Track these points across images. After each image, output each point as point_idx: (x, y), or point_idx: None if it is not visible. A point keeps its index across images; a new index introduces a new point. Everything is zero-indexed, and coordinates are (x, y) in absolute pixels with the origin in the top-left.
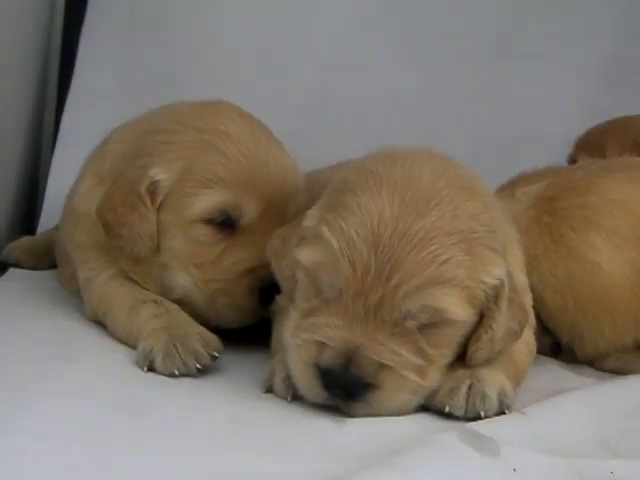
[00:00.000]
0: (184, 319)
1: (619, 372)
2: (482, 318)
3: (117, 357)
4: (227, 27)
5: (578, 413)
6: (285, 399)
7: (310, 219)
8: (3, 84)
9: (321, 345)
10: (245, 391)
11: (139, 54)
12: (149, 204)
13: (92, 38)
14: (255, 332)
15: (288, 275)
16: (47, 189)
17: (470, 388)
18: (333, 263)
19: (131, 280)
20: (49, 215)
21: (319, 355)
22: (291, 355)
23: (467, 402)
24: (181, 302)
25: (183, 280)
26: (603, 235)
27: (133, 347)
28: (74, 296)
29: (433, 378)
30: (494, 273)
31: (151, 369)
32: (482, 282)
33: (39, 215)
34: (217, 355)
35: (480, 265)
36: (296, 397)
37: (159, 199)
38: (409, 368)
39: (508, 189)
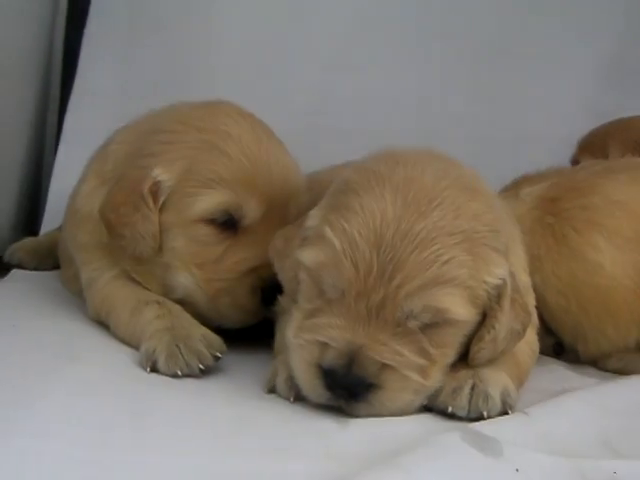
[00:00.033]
0: (187, 320)
1: (622, 372)
2: (485, 318)
3: (120, 358)
4: (228, 28)
5: (581, 413)
6: (288, 399)
7: (312, 219)
8: (6, 85)
9: (323, 345)
10: (248, 392)
11: (141, 55)
12: (151, 204)
13: (94, 39)
14: (258, 333)
15: (291, 276)
16: (50, 190)
17: (473, 388)
18: (335, 263)
19: (134, 281)
20: (52, 216)
21: (321, 355)
22: (294, 355)
23: (470, 402)
24: (183, 302)
25: (185, 280)
26: (605, 236)
27: (136, 348)
28: (77, 297)
29: (435, 378)
30: (496, 273)
31: (154, 370)
32: (484, 282)
33: (42, 216)
34: (220, 356)
35: (482, 265)
36: (299, 397)
37: (161, 199)
38: (411, 368)
39: (512, 189)
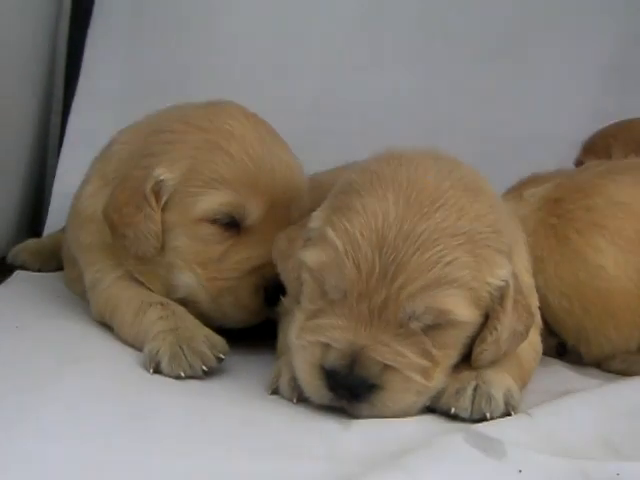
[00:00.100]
0: (190, 321)
1: (625, 373)
2: (487, 319)
3: (123, 359)
4: (230, 30)
5: (584, 414)
6: (291, 400)
7: (315, 220)
8: (9, 86)
9: (326, 346)
10: (251, 393)
11: (144, 56)
12: (154, 204)
13: (98, 40)
14: (261, 334)
15: (294, 276)
16: (53, 191)
17: (476, 389)
18: (338, 264)
19: (137, 282)
20: (55, 217)
21: (324, 356)
22: (296, 356)
23: (473, 403)
24: (186, 302)
25: (188, 279)
26: (608, 238)
27: (139, 349)
28: (80, 298)
29: (438, 379)
30: (499, 274)
31: (157, 371)
32: (487, 283)
33: (45, 217)
34: (223, 357)
35: (485, 266)
36: (302, 399)
37: (164, 199)
38: (414, 369)
39: (517, 190)
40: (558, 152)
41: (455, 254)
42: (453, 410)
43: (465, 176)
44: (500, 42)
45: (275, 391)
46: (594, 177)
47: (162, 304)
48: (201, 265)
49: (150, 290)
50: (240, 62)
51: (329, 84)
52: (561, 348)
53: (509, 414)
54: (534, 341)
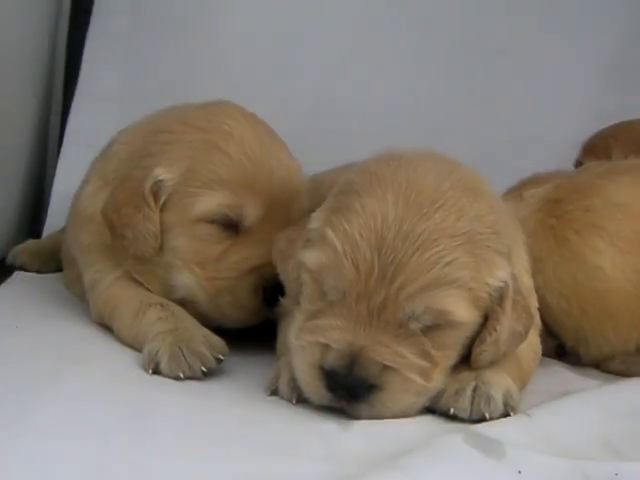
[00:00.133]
0: (190, 322)
1: (624, 374)
2: (487, 320)
3: (123, 360)
4: (231, 30)
5: (583, 415)
6: (290, 401)
7: (315, 221)
8: (8, 86)
9: (325, 347)
10: (250, 393)
11: (144, 57)
12: (152, 204)
13: (98, 40)
14: (260, 335)
15: (293, 277)
16: (53, 192)
17: (475, 390)
18: (337, 265)
19: (137, 282)
20: (55, 218)
21: (323, 357)
22: (295, 357)
23: (472, 404)
24: (185, 302)
25: (186, 279)
26: (606, 239)
27: (139, 350)
28: (80, 299)
29: (437, 380)
30: (498, 275)
31: (156, 372)
32: (486, 284)
33: (44, 218)
34: (222, 358)
35: (484, 267)
36: (301, 399)
37: (162, 199)
38: (413, 370)
39: (517, 190)
40: (558, 152)
41: (454, 255)
42: (452, 411)
43: (465, 177)
44: (500, 42)
45: (274, 392)
46: (593, 178)
47: (161, 305)
48: (200, 265)
49: (149, 290)
50: (240, 62)
51: (329, 84)
52: (560, 349)
53: (508, 415)
54: (533, 342)
